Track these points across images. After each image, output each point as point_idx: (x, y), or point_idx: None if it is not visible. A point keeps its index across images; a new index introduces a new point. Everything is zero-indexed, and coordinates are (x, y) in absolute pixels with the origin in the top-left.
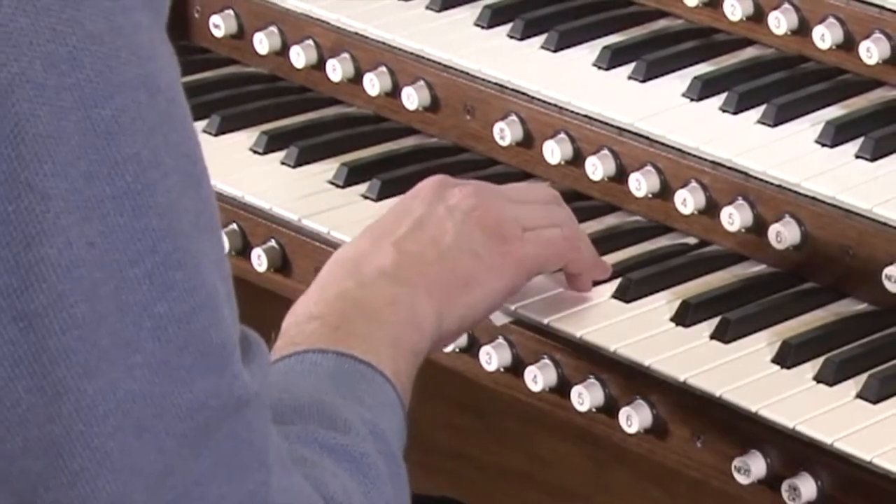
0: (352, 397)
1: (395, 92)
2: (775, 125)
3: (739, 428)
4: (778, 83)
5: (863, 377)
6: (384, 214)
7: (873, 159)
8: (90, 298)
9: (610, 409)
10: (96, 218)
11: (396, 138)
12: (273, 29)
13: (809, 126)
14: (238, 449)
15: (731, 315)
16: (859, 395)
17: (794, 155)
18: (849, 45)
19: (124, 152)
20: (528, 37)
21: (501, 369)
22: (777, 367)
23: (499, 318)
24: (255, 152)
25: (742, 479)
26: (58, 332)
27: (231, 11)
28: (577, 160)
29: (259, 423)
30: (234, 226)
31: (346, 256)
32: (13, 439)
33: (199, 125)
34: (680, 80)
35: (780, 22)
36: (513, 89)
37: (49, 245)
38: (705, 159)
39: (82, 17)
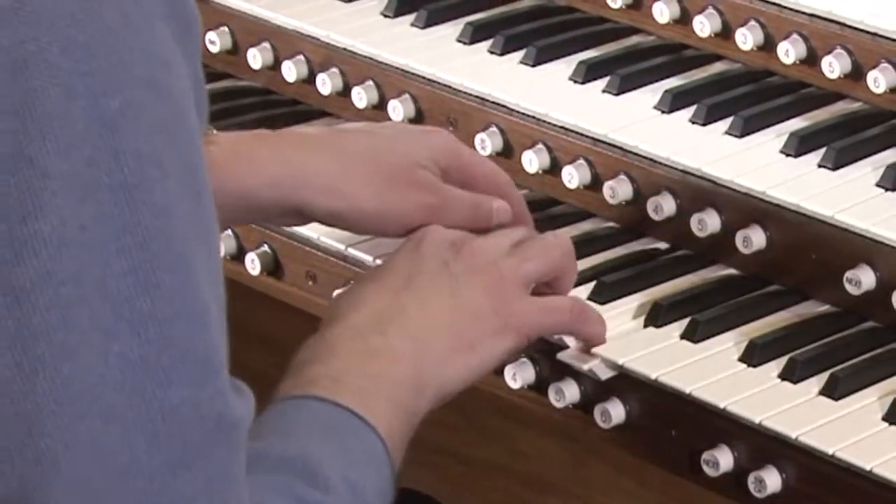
0: (340, 451)
1: (381, 105)
2: (742, 136)
3: (708, 423)
4: (744, 96)
5: (825, 375)
6: (391, 265)
7: (835, 168)
8: (76, 280)
9: (586, 405)
10: (92, 203)
11: None
12: (266, 45)
13: (774, 137)
14: (223, 479)
15: (701, 316)
16: (822, 392)
17: (760, 164)
18: (812, 60)
19: (126, 145)
20: (508, 52)
21: None
22: (744, 366)
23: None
24: None
25: (711, 472)
26: (42, 309)
27: (226, 28)
28: (555, 169)
29: (241, 457)
30: (229, 231)
31: (352, 302)
32: None
33: None
34: (652, 94)
35: (746, 38)
36: (493, 102)
37: (44, 221)
38: (676, 168)
39: (102, 10)
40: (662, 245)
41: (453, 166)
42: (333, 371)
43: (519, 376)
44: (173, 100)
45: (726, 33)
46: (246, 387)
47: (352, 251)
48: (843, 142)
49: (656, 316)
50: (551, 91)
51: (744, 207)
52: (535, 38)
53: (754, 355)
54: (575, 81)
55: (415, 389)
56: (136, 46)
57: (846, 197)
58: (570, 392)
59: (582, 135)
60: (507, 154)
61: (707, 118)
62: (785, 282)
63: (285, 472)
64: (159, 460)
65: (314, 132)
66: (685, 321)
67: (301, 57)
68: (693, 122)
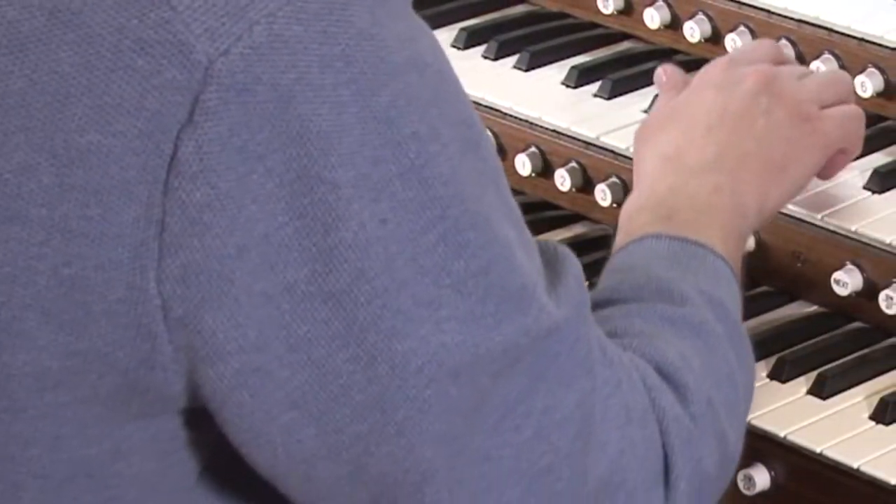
0: (687, 272)
1: None
2: None
3: None
4: None
5: (813, 374)
6: (684, 102)
7: None
8: (389, 269)
9: None
10: (385, 197)
11: None
12: None
13: None
14: (554, 363)
15: None
16: (810, 392)
17: None
18: (800, 64)
19: (404, 132)
20: (501, 57)
21: None
22: None
23: None
24: None
25: None
26: (363, 304)
27: None
28: (547, 172)
29: (577, 334)
30: None
31: (666, 153)
32: (340, 409)
33: None
34: (642, 98)
35: (735, 43)
36: (487, 106)
37: (345, 229)
38: None
39: (350, 17)
40: None
41: None
42: (660, 214)
43: None
44: (430, 67)
45: (716, 39)
46: (556, 252)
47: None
48: None
49: None
50: (544, 95)
51: None
52: (528, 43)
53: None
54: (567, 86)
55: (738, 215)
56: (387, 36)
57: (834, 199)
58: None
59: (574, 138)
60: (501, 157)
61: None
62: (773, 283)
63: (641, 299)
64: (502, 383)
65: None
66: None
67: None
68: None
